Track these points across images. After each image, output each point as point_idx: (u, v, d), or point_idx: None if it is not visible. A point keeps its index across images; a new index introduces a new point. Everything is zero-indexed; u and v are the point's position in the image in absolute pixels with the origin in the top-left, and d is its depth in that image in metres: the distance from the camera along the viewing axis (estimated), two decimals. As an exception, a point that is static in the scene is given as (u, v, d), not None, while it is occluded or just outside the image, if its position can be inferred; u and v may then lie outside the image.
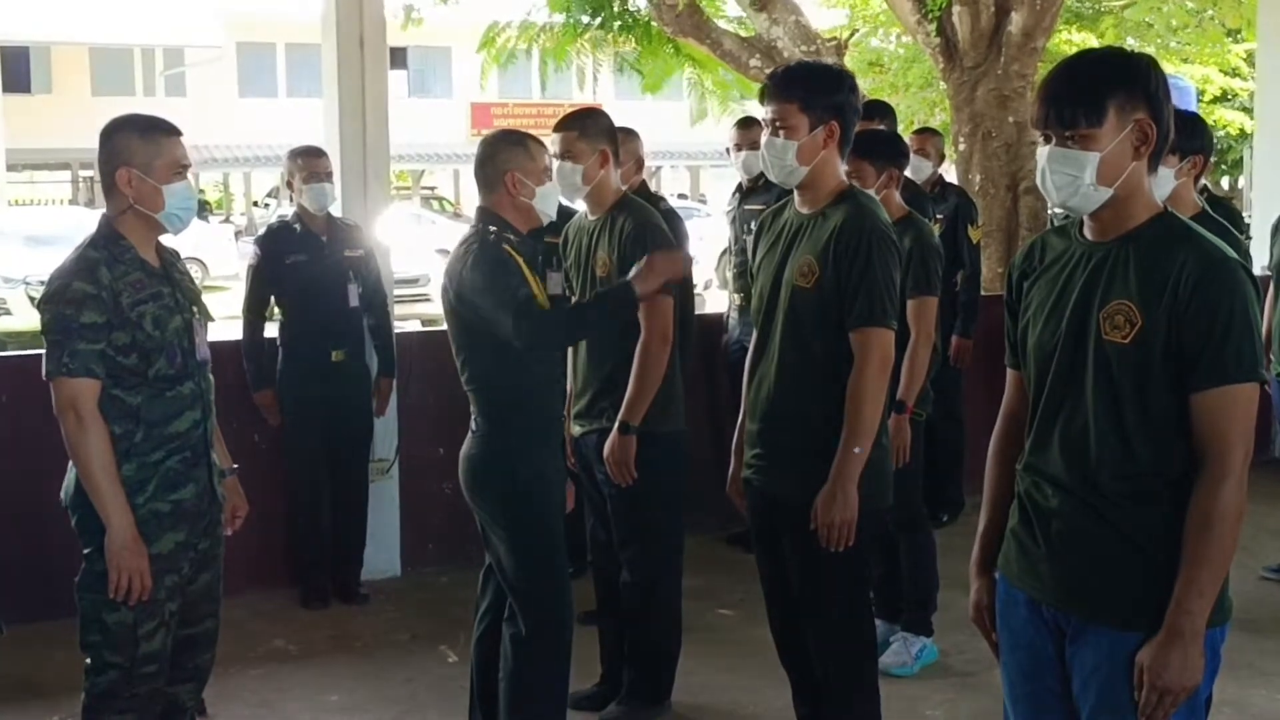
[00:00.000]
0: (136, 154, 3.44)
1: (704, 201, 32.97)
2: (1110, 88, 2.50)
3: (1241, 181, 26.90)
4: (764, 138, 3.63)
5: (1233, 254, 2.49)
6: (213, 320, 3.74)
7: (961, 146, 10.32)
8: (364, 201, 6.15)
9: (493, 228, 3.88)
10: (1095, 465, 2.53)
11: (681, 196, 34.00)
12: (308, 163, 5.82)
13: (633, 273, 3.76)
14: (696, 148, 32.69)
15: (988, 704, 4.47)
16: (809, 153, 3.56)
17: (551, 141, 4.37)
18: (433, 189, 38.83)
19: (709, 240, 17.96)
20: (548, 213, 4.01)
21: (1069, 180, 2.53)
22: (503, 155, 3.95)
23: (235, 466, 3.81)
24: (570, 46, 13.87)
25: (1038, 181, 2.63)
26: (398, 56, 31.41)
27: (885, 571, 5.10)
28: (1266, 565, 6.20)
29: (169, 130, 3.52)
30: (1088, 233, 2.61)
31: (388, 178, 6.51)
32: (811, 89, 3.58)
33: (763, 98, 3.63)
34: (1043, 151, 2.57)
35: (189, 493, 3.50)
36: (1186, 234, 2.53)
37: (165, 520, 3.46)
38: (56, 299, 3.37)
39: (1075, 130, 2.51)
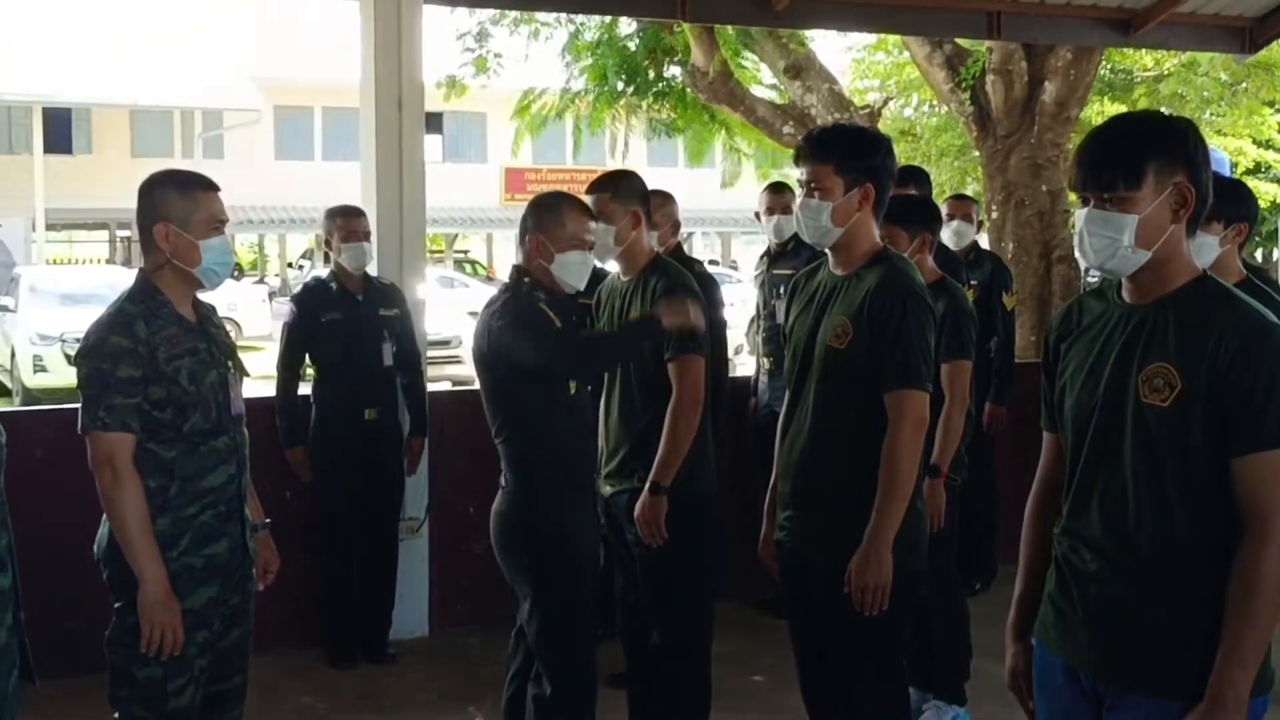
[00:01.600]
0: (175, 209, 3.46)
1: (735, 268, 33.03)
2: (1149, 151, 2.50)
3: (1276, 254, 26.76)
4: (799, 199, 3.64)
5: (1273, 318, 2.48)
6: (248, 375, 3.76)
7: (994, 215, 10.34)
8: (399, 263, 6.20)
9: (526, 280, 3.96)
10: (1134, 529, 2.51)
11: (713, 263, 34.07)
12: (346, 222, 5.86)
13: (658, 311, 3.99)
14: (728, 214, 32.81)
15: (1021, 774, 4.39)
16: (843, 214, 3.56)
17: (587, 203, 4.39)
18: (465, 253, 39.08)
19: (739, 306, 18.00)
20: (567, 281, 3.99)
21: (1107, 243, 2.53)
22: (533, 217, 4.01)
23: (268, 521, 3.81)
24: (605, 113, 13.99)
25: (1075, 243, 2.63)
26: (433, 122, 31.64)
27: (918, 638, 5.04)
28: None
29: (207, 186, 3.54)
30: (1126, 295, 2.60)
31: (423, 240, 6.56)
32: (847, 151, 3.59)
33: (798, 159, 3.64)
34: (1081, 214, 2.57)
35: (222, 548, 3.50)
36: (1226, 297, 2.52)
37: (198, 575, 3.45)
38: (93, 353, 3.39)
39: (1114, 193, 2.51)
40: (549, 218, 3.97)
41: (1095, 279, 2.70)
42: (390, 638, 6.04)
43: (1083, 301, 2.74)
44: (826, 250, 3.70)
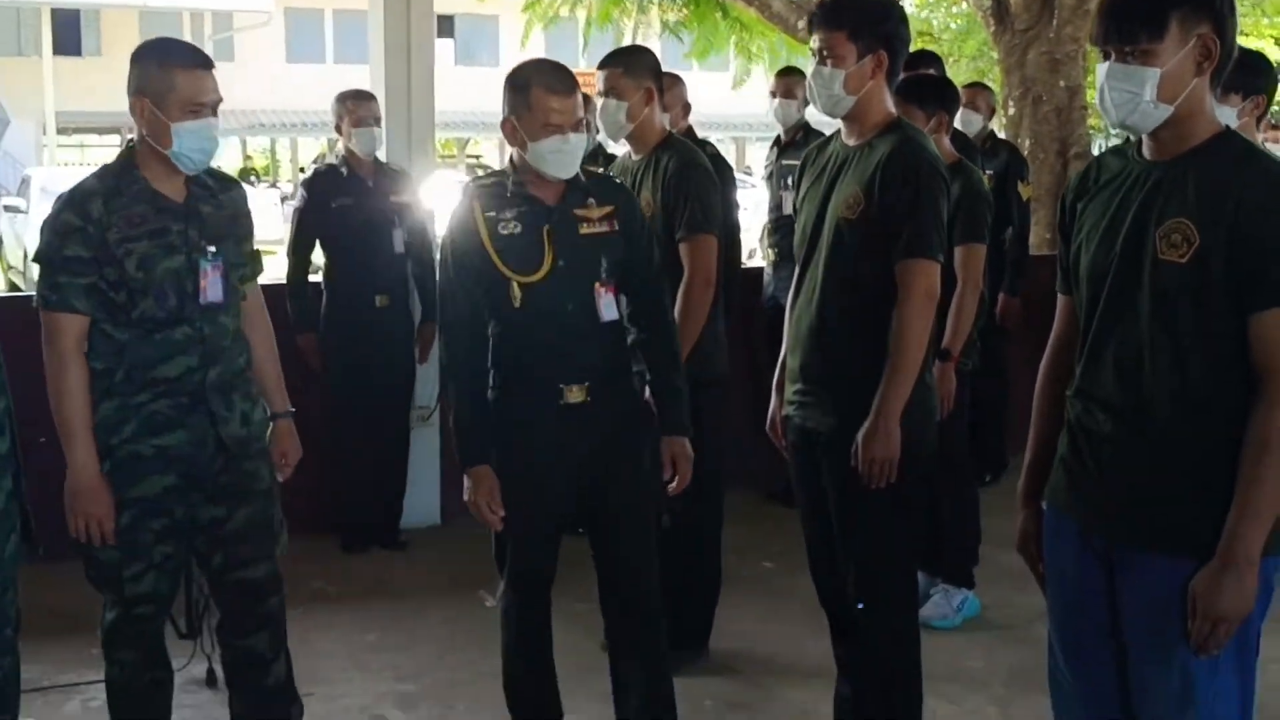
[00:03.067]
0: (152, 83, 3.28)
1: (749, 173, 32.76)
2: (1172, 1, 2.43)
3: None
4: (811, 68, 3.57)
5: None
6: (247, 262, 3.56)
7: (1011, 110, 10.19)
8: (409, 163, 6.14)
9: (480, 174, 3.62)
10: (1149, 389, 2.48)
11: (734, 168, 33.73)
12: (357, 106, 5.81)
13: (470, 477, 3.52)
14: (742, 119, 32.50)
15: (1029, 657, 4.42)
16: (856, 82, 3.48)
17: (597, 79, 4.32)
18: (478, 158, 38.88)
19: (753, 210, 17.87)
20: (547, 172, 3.49)
21: (1129, 97, 2.47)
22: (505, 96, 3.53)
23: (291, 410, 3.72)
24: (615, 9, 13.80)
25: (1096, 100, 2.57)
26: (445, 25, 31.35)
27: (927, 524, 5.04)
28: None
29: (189, 64, 3.30)
30: (1146, 152, 2.55)
31: (433, 143, 6.51)
32: (860, 18, 3.49)
33: (811, 27, 3.56)
34: (1102, 68, 2.51)
35: (178, 439, 3.36)
36: (1249, 152, 2.47)
37: (148, 463, 3.34)
38: (47, 227, 3.27)
39: (1136, 45, 2.45)
40: (518, 99, 3.47)
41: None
42: (401, 525, 6.07)
43: (1102, 160, 2.68)
44: (839, 122, 3.63)
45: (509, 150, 3.60)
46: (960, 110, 6.37)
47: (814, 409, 3.61)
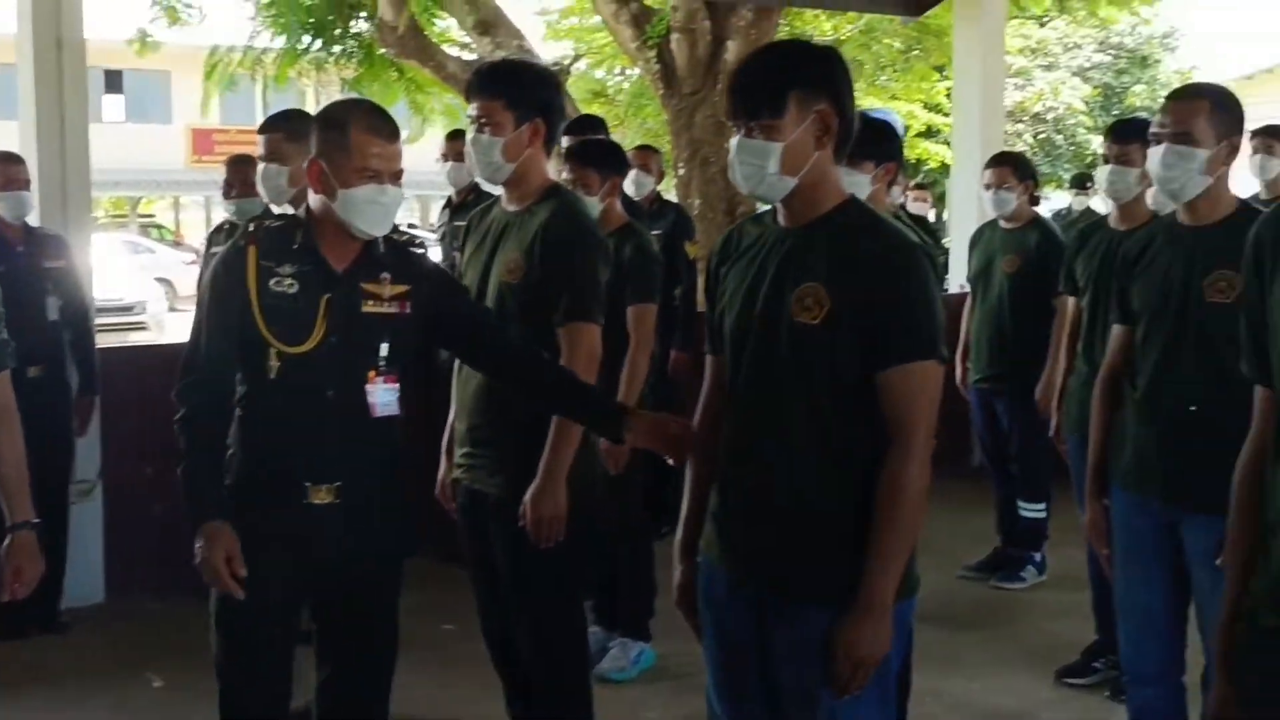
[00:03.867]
0: None
1: (434, 231, 32.72)
2: (790, 79, 2.59)
3: (946, 214, 28.18)
4: (470, 134, 3.61)
5: (914, 239, 2.61)
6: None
7: (681, 171, 10.55)
8: (64, 225, 5.89)
9: (260, 221, 3.19)
10: (791, 446, 2.60)
11: (412, 226, 33.64)
12: (4, 169, 5.53)
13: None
14: (426, 177, 32.41)
15: (703, 706, 4.52)
16: (514, 150, 3.54)
17: (259, 143, 4.27)
18: (151, 216, 37.50)
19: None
20: (355, 225, 3.05)
21: (755, 170, 2.61)
22: (316, 135, 3.11)
23: (35, 521, 3.25)
24: (291, 69, 13.63)
25: (729, 172, 2.70)
26: (114, 80, 30.28)
27: (602, 580, 5.13)
28: (965, 564, 6.50)
29: None
30: (781, 219, 2.70)
31: (89, 205, 6.26)
32: (516, 86, 3.57)
33: (468, 94, 3.61)
34: (733, 142, 2.65)
35: None
36: (872, 220, 2.65)
37: None
38: None
39: (759, 121, 2.59)
40: (333, 139, 3.04)
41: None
42: (62, 606, 5.77)
43: (742, 227, 2.82)
44: (500, 188, 3.69)
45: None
46: (633, 173, 6.57)
47: (482, 471, 3.65)
